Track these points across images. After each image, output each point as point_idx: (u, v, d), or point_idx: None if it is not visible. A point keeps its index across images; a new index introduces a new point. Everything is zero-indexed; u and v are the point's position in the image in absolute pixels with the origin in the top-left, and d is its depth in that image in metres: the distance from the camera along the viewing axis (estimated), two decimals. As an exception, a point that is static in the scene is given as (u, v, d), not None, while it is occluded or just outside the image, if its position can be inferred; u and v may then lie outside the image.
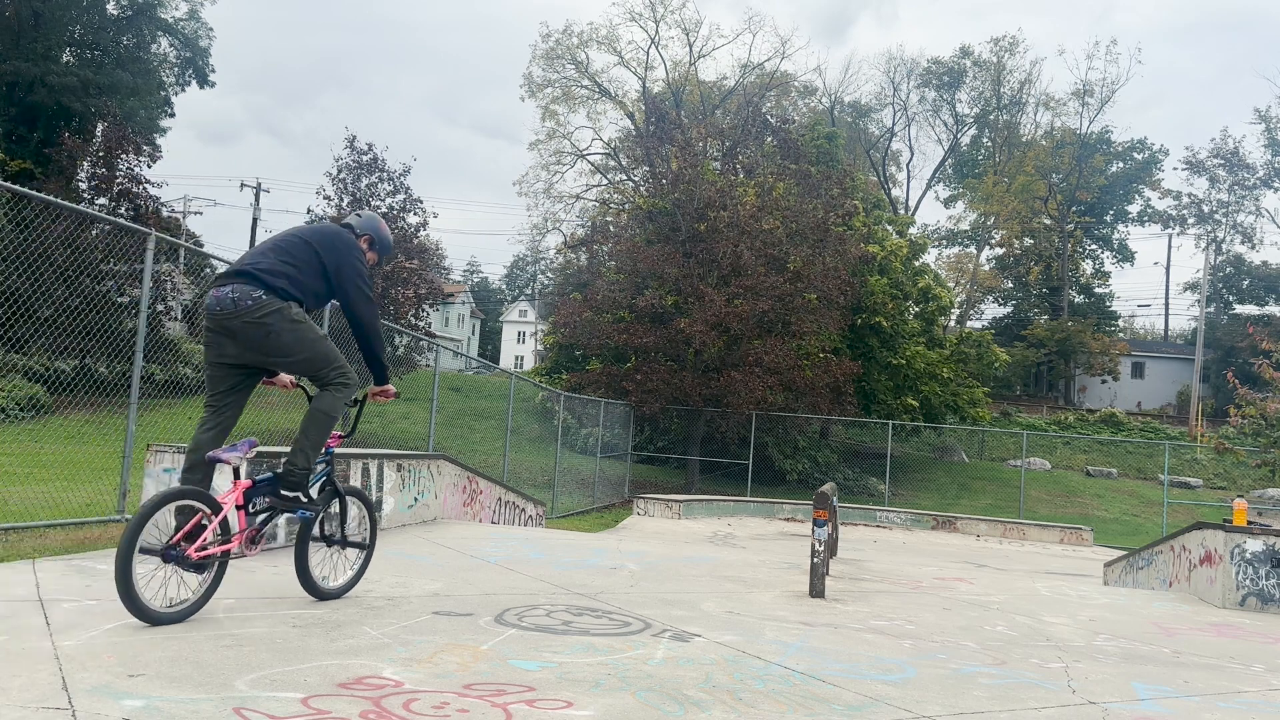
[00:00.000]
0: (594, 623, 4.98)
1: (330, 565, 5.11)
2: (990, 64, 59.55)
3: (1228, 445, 22.48)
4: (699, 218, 26.54)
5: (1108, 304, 63.17)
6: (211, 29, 46.17)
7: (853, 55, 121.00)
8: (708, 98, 48.34)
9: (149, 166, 27.97)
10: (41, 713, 2.84)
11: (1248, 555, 7.90)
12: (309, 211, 28.08)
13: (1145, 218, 61.97)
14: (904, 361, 31.89)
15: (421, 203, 27.99)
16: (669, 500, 19.87)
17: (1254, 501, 26.11)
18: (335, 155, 44.92)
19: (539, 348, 53.34)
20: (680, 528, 17.86)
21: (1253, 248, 58.91)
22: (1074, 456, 40.00)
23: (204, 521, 4.18)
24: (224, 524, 4.25)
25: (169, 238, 9.45)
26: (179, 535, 4.06)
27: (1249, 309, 58.25)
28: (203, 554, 4.12)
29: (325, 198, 27.18)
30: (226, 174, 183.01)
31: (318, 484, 4.78)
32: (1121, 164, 60.42)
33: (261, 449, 4.94)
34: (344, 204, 27.04)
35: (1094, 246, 63.29)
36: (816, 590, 6.65)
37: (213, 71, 46.65)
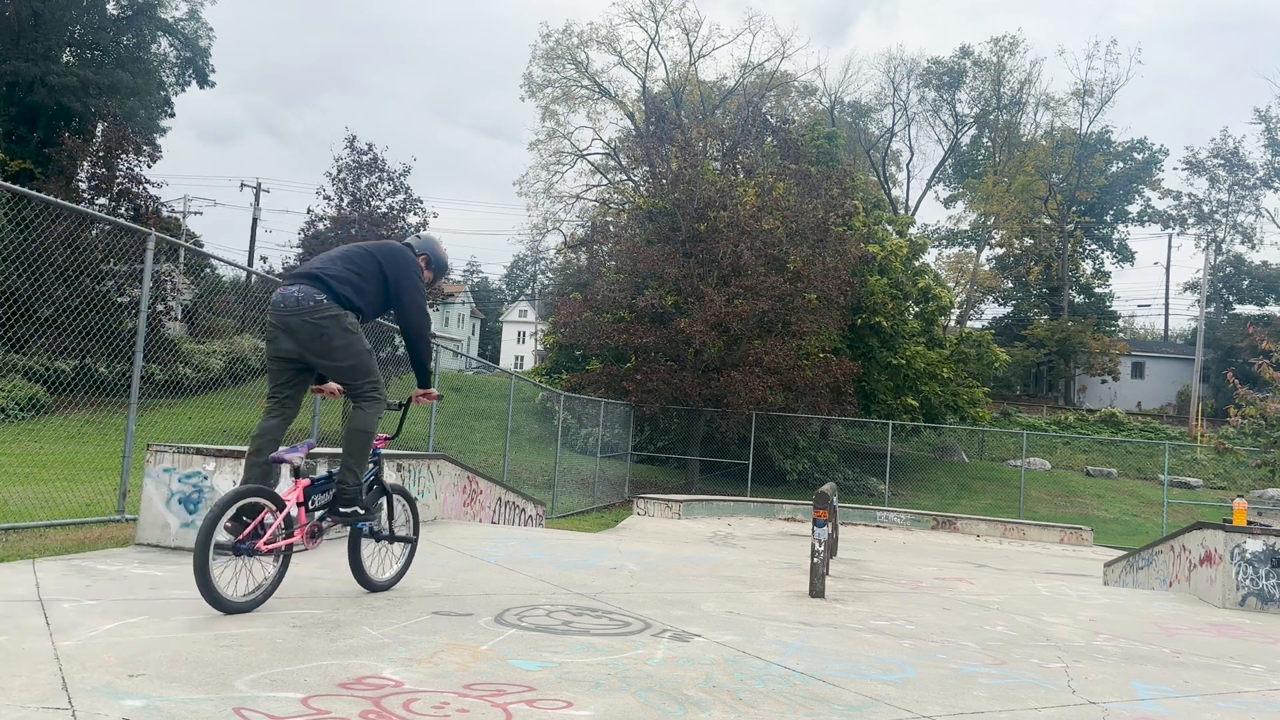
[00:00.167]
0: (594, 623, 4.98)
1: (379, 559, 5.46)
2: (990, 64, 59.56)
3: (1228, 445, 22.48)
4: (699, 218, 26.54)
5: (1108, 304, 63.17)
6: (211, 29, 46.20)
7: (853, 55, 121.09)
8: (708, 98, 48.34)
9: (149, 166, 27.97)
10: (41, 713, 2.84)
11: (1248, 555, 7.90)
12: (309, 211, 28.10)
13: (1145, 218, 61.99)
14: (904, 361, 31.89)
15: (421, 203, 27.97)
16: (669, 500, 19.87)
17: (1254, 501, 26.11)
18: (335, 155, 44.94)
19: (539, 348, 53.34)
20: (680, 528, 17.86)
21: (1253, 248, 58.98)
22: (1074, 456, 40.00)
23: (269, 517, 4.50)
24: (287, 519, 4.58)
25: (169, 238, 9.45)
26: (247, 530, 4.37)
27: (1249, 309, 58.27)
28: (271, 546, 4.47)
29: (325, 198, 27.17)
30: (226, 174, 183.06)
31: (366, 484, 5.03)
32: (1121, 164, 60.42)
33: (318, 450, 5.29)
34: (344, 204, 27.02)
35: (1094, 246, 63.29)
36: (816, 590, 6.65)
37: (213, 71, 46.67)
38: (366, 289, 4.79)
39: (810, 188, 28.73)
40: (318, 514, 4.81)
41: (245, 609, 4.44)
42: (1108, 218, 62.36)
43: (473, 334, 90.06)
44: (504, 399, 19.22)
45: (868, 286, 30.96)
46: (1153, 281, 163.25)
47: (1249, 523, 8.56)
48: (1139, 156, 60.33)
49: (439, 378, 15.01)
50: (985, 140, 61.82)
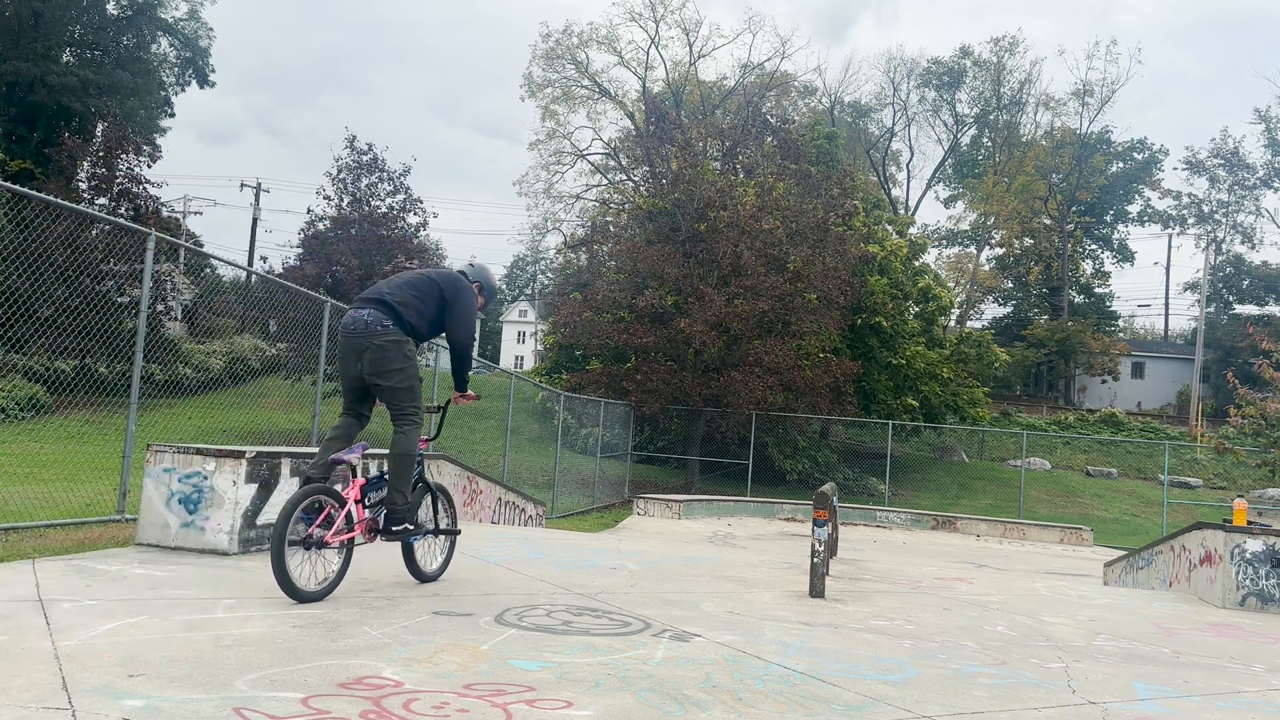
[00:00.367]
0: (594, 623, 4.98)
1: (427, 553, 5.94)
2: (990, 64, 59.56)
3: (1228, 445, 22.48)
4: (699, 218, 26.54)
5: (1108, 304, 63.16)
6: (211, 29, 46.19)
7: (853, 55, 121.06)
8: (708, 98, 48.35)
9: (149, 166, 27.94)
10: (41, 713, 2.84)
11: (1248, 555, 7.90)
12: (309, 211, 28.10)
13: (1145, 218, 61.98)
14: (904, 361, 31.89)
15: (421, 203, 27.97)
16: (669, 500, 19.87)
17: (1254, 501, 26.12)
18: (335, 155, 44.95)
19: (539, 348, 53.35)
20: (680, 528, 17.86)
21: (1253, 248, 58.97)
22: (1074, 456, 40.00)
23: (333, 513, 4.93)
24: (348, 516, 5.01)
25: (169, 238, 9.45)
26: (315, 525, 4.82)
27: (1249, 309, 58.26)
28: (338, 539, 4.92)
29: (325, 198, 27.16)
30: (226, 174, 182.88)
31: (416, 474, 5.52)
32: (1121, 164, 60.41)
33: (371, 451, 5.69)
34: (344, 204, 27.02)
35: (1094, 246, 63.28)
36: (816, 590, 6.65)
37: (213, 71, 46.66)
38: (426, 313, 5.35)
39: (810, 188, 28.73)
40: (370, 511, 5.24)
41: (317, 598, 4.84)
42: (1108, 218, 62.35)
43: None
44: (504, 399, 19.22)
45: (868, 286, 30.95)
46: (1153, 281, 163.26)
47: (1249, 523, 8.55)
48: (1139, 156, 60.32)
49: (439, 378, 15.08)
50: (985, 140, 61.82)
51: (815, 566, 6.72)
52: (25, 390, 22.06)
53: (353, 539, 5.08)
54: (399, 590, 5.45)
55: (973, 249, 59.58)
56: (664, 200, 28.35)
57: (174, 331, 30.15)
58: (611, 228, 32.59)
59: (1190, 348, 55.59)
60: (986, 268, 59.16)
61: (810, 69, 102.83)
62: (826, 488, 7.78)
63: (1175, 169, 71.12)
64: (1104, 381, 54.80)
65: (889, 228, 37.47)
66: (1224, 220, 59.26)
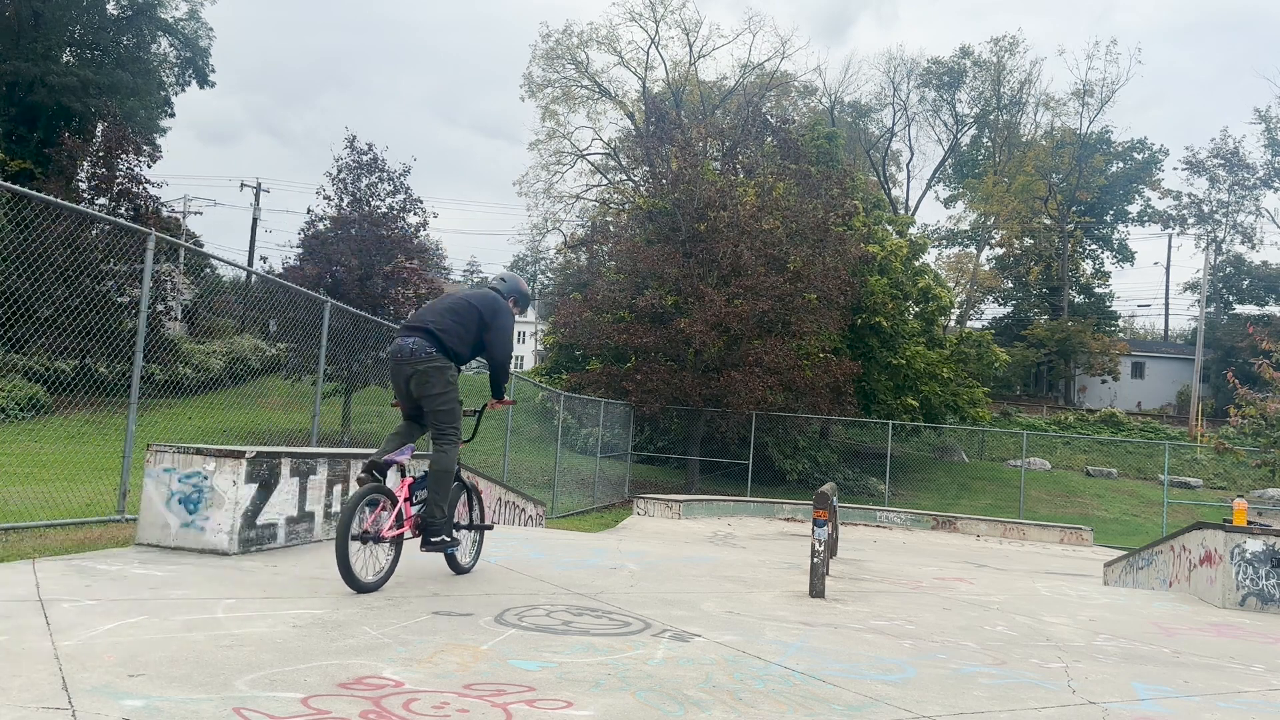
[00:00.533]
0: (594, 623, 4.98)
1: (461, 548, 6.25)
2: (990, 64, 59.54)
3: (1228, 445, 22.48)
4: (699, 218, 26.53)
5: (1108, 304, 63.13)
6: (211, 29, 46.16)
7: (853, 55, 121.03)
8: (708, 98, 48.34)
9: (149, 166, 27.96)
10: (41, 713, 2.84)
11: (1248, 555, 7.90)
12: (309, 211, 28.08)
13: (1145, 218, 61.95)
14: (904, 361, 31.88)
15: (421, 203, 27.95)
16: (669, 500, 19.87)
17: (1254, 501, 26.12)
18: (335, 155, 44.88)
19: (539, 348, 53.37)
20: (680, 528, 17.86)
21: (1253, 248, 58.94)
22: (1074, 456, 39.99)
23: (386, 510, 5.38)
24: (399, 513, 5.45)
25: (169, 238, 9.45)
26: (370, 520, 5.27)
27: (1249, 309, 58.23)
28: (391, 534, 5.40)
29: (325, 198, 27.14)
30: (226, 174, 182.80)
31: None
32: (1121, 164, 60.40)
33: (418, 452, 6.25)
34: (344, 204, 27.00)
35: (1094, 246, 63.26)
36: (816, 590, 6.65)
37: (213, 71, 46.64)
38: (467, 338, 5.80)
39: (810, 188, 28.72)
40: (416, 509, 5.67)
41: (374, 588, 5.30)
42: (1108, 218, 62.33)
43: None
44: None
45: (868, 286, 30.95)
46: (1153, 281, 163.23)
47: (1249, 523, 8.55)
48: (1139, 156, 60.30)
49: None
50: (985, 140, 61.81)
51: (815, 566, 6.72)
52: (25, 390, 22.07)
53: (402, 535, 5.52)
54: (399, 590, 5.45)
55: (973, 249, 59.58)
56: (664, 200, 28.34)
57: (174, 331, 30.15)
58: (611, 228, 32.59)
59: (1190, 348, 55.58)
60: (986, 268, 59.15)
61: (810, 69, 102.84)
62: (826, 488, 7.78)
63: (1175, 169, 71.13)
64: (1104, 381, 54.79)
65: (889, 228, 37.46)
66: (1224, 220, 59.26)
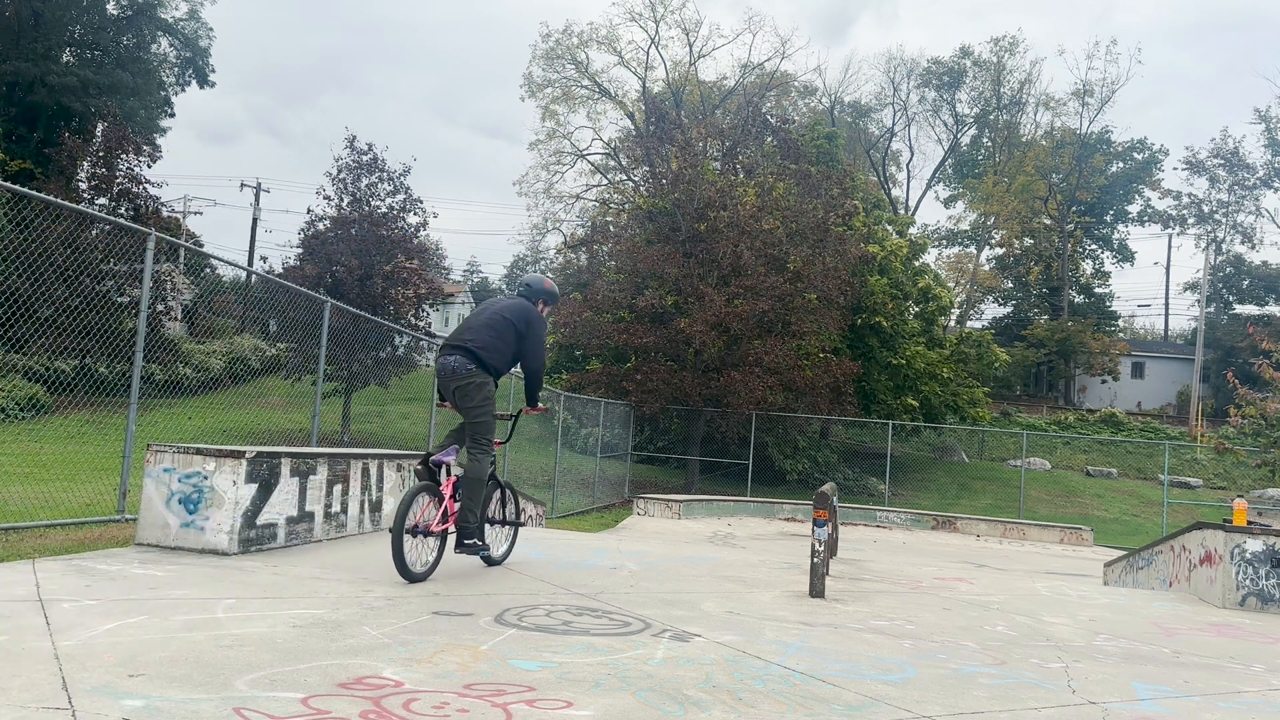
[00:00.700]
0: (594, 623, 4.98)
1: (494, 539, 6.68)
2: (990, 64, 59.54)
3: (1228, 445, 22.47)
4: (699, 218, 26.53)
5: (1108, 304, 63.12)
6: (211, 29, 46.18)
7: (853, 55, 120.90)
8: (708, 98, 48.33)
9: (149, 166, 27.96)
10: (41, 713, 2.84)
11: (1248, 555, 7.90)
12: (309, 211, 28.06)
13: (1145, 218, 61.94)
14: (904, 361, 31.87)
15: (421, 203, 27.92)
16: (669, 500, 19.86)
17: (1254, 501, 26.12)
18: (335, 155, 44.88)
19: (539, 348, 53.24)
20: (680, 528, 17.85)
21: (1253, 248, 58.92)
22: (1074, 456, 39.99)
23: (434, 507, 5.91)
24: (444, 510, 5.95)
25: (169, 238, 9.45)
26: (420, 515, 5.77)
27: (1249, 309, 58.22)
28: (438, 529, 5.92)
29: (325, 198, 27.12)
30: (226, 174, 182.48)
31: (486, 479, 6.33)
32: (1121, 164, 60.39)
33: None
34: (344, 204, 26.99)
35: (1094, 246, 63.25)
36: (816, 590, 6.65)
37: (213, 71, 46.66)
38: (506, 352, 6.19)
39: (810, 188, 28.71)
40: (458, 505, 6.07)
41: (423, 579, 5.76)
42: (1108, 218, 62.32)
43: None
44: (504, 399, 19.23)
45: (868, 286, 30.94)
46: (1153, 281, 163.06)
47: (1249, 523, 8.55)
48: (1139, 156, 60.30)
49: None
50: (985, 140, 61.80)
51: (815, 566, 6.72)
52: (25, 390, 22.07)
53: (447, 530, 6.01)
54: (399, 590, 5.45)
55: (973, 249, 59.58)
56: (664, 200, 28.34)
57: (174, 331, 30.15)
58: (611, 228, 32.57)
59: (1190, 348, 55.57)
60: (986, 268, 59.15)
61: (810, 69, 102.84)
62: (826, 488, 7.78)
63: (1175, 169, 71.21)
64: (1104, 381, 54.79)
65: (889, 228, 37.45)
66: (1224, 220, 59.25)
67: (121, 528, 7.28)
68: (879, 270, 32.16)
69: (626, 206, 37.06)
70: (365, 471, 8.03)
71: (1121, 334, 67.33)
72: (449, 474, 6.06)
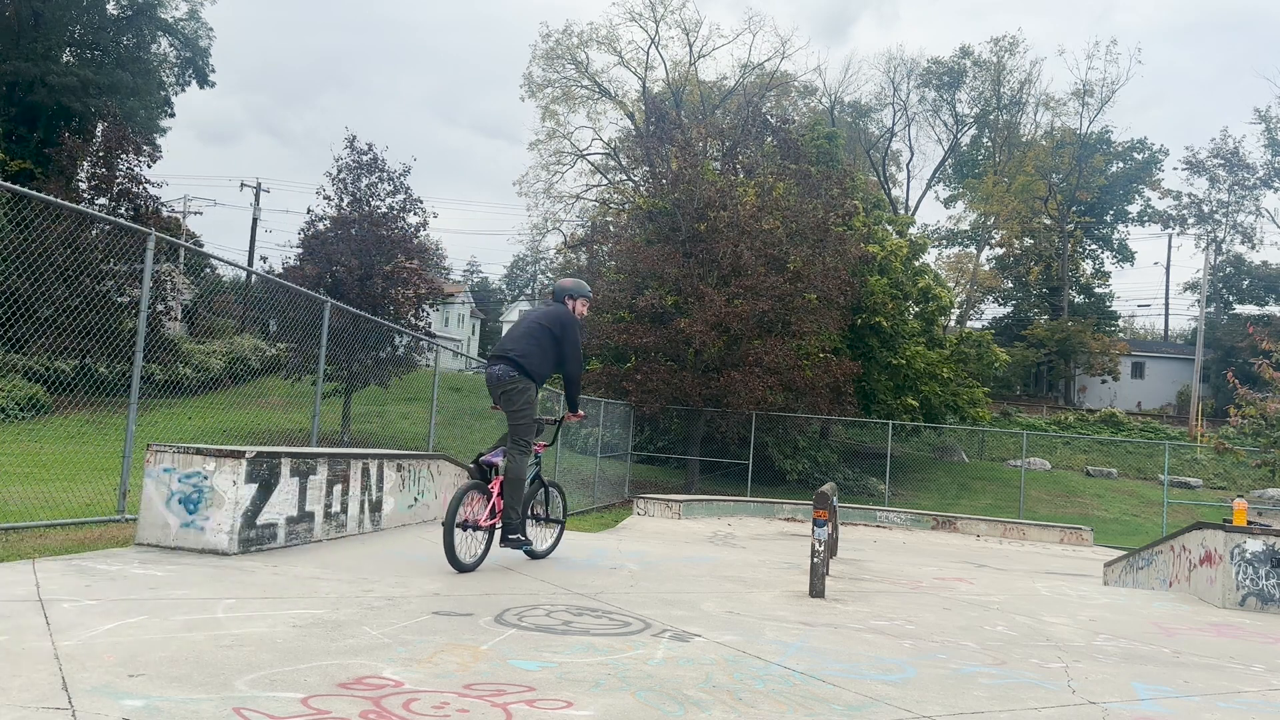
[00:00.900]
0: (594, 623, 4.98)
1: (539, 535, 7.25)
2: (990, 64, 59.54)
3: (1228, 445, 22.46)
4: (699, 218, 26.53)
5: (1108, 304, 63.13)
6: (211, 29, 46.20)
7: (853, 55, 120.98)
8: (708, 98, 48.33)
9: (149, 166, 27.96)
10: (41, 713, 2.84)
11: (1248, 555, 7.90)
12: (309, 211, 28.05)
13: (1145, 218, 61.96)
14: (904, 361, 31.87)
15: (421, 203, 27.91)
16: (669, 500, 19.85)
17: (1254, 501, 26.12)
18: (335, 155, 44.86)
19: (539, 348, 53.24)
20: (680, 528, 17.85)
21: (1253, 248, 58.94)
22: (1074, 456, 39.98)
23: (482, 504, 6.46)
24: (492, 507, 6.50)
25: (169, 238, 9.45)
26: (470, 511, 6.34)
27: (1249, 309, 58.23)
28: (487, 523, 6.46)
29: (325, 198, 27.11)
30: (226, 174, 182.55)
31: (531, 478, 6.86)
32: (1121, 164, 60.39)
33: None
34: (344, 204, 26.99)
35: (1094, 246, 63.26)
36: (816, 590, 6.65)
37: (213, 71, 46.67)
38: (547, 358, 6.73)
39: (810, 188, 28.71)
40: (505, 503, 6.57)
41: (472, 569, 6.28)
42: (1108, 218, 62.33)
43: (473, 334, 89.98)
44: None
45: (868, 286, 30.94)
46: (1153, 281, 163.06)
47: (1249, 523, 8.55)
48: (1139, 156, 60.30)
49: (439, 378, 15.20)
50: (985, 140, 61.80)
51: (815, 566, 6.72)
52: (25, 390, 22.07)
53: (495, 525, 6.51)
54: (399, 590, 5.45)
55: (973, 249, 59.58)
56: (664, 200, 28.33)
57: (174, 331, 30.15)
58: (611, 228, 32.56)
59: (1190, 348, 55.57)
60: (986, 268, 59.15)
61: (810, 69, 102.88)
62: (826, 488, 7.78)
63: (1175, 169, 71.20)
64: (1104, 381, 54.79)
65: (889, 228, 37.45)
66: (1224, 220, 59.27)
67: (121, 528, 7.28)
68: (879, 270, 32.15)
69: (626, 206, 37.06)
70: (365, 471, 8.03)
71: (1121, 334, 67.33)
72: (498, 474, 6.55)
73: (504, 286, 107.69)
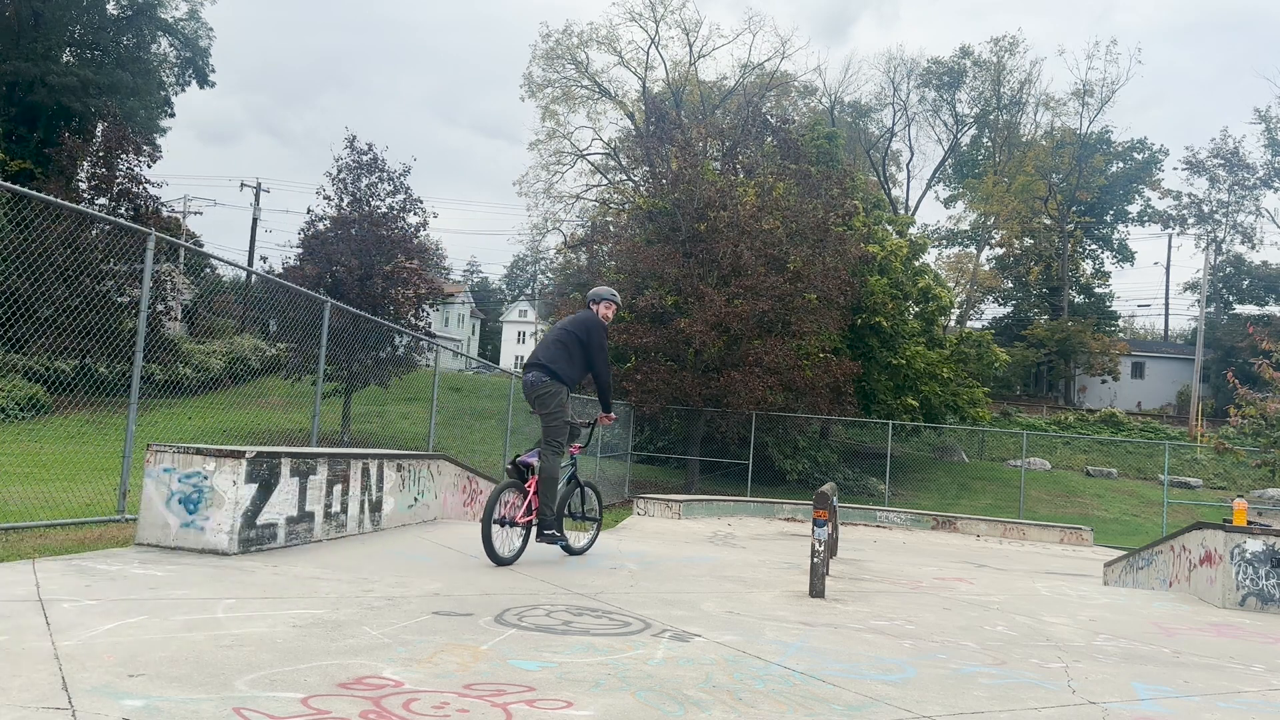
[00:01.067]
0: (594, 622, 4.98)
1: (575, 534, 7.72)
2: (990, 64, 59.54)
3: (1228, 445, 22.46)
4: (699, 218, 26.53)
5: (1108, 304, 63.14)
6: (211, 29, 46.21)
7: (853, 55, 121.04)
8: (708, 98, 48.32)
9: (149, 166, 27.95)
10: (41, 713, 2.84)
11: (1248, 555, 7.90)
12: (309, 211, 28.05)
13: (1145, 218, 61.96)
14: (904, 361, 31.87)
15: (421, 203, 27.90)
16: (669, 500, 19.86)
17: (1254, 501, 26.11)
18: (335, 155, 44.85)
19: (539, 348, 53.23)
20: (680, 528, 17.85)
21: (1253, 248, 58.95)
22: (1074, 456, 39.98)
23: (519, 501, 6.85)
24: (529, 504, 6.88)
25: (169, 238, 9.44)
26: (507, 508, 6.77)
27: (1249, 309, 58.24)
28: (523, 520, 6.86)
29: (325, 198, 27.10)
30: (226, 174, 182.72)
31: (566, 478, 7.34)
32: (1121, 164, 60.39)
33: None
34: (344, 204, 26.98)
35: (1094, 246, 63.26)
36: (816, 590, 6.65)
37: (213, 71, 46.67)
38: (575, 361, 7.15)
39: (810, 188, 28.70)
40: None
41: (509, 563, 6.67)
42: (1108, 218, 62.34)
43: (473, 334, 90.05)
44: (504, 399, 19.23)
45: (868, 286, 30.93)
46: (1153, 281, 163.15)
47: (1249, 523, 8.55)
48: (1139, 156, 60.30)
49: (439, 378, 15.21)
50: (985, 140, 61.80)
51: (815, 566, 6.72)
52: (25, 390, 22.08)
53: (531, 521, 6.91)
54: (399, 590, 5.45)
55: (973, 249, 59.57)
56: (664, 200, 28.33)
57: (174, 331, 30.15)
58: (611, 228, 32.56)
59: (1190, 348, 55.57)
60: (986, 268, 59.15)
61: (810, 69, 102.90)
62: (826, 488, 7.78)
63: (1175, 169, 71.18)
64: (1104, 381, 54.79)
65: (889, 228, 37.45)
66: (1224, 220, 59.27)
67: (121, 528, 7.28)
68: (879, 270, 32.15)
69: (626, 206, 37.05)
70: (365, 471, 8.03)
71: (1121, 334, 67.34)
72: (534, 474, 6.95)
73: (504, 286, 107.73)
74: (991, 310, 62.66)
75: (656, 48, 48.92)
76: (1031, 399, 55.89)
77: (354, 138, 27.11)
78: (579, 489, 7.70)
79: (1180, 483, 34.21)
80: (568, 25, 54.28)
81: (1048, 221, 58.27)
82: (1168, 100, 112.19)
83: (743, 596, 6.51)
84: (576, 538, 7.69)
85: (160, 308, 24.92)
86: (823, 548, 6.75)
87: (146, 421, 13.72)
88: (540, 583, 6.22)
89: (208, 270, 36.26)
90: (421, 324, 27.76)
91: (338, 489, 7.50)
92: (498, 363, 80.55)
